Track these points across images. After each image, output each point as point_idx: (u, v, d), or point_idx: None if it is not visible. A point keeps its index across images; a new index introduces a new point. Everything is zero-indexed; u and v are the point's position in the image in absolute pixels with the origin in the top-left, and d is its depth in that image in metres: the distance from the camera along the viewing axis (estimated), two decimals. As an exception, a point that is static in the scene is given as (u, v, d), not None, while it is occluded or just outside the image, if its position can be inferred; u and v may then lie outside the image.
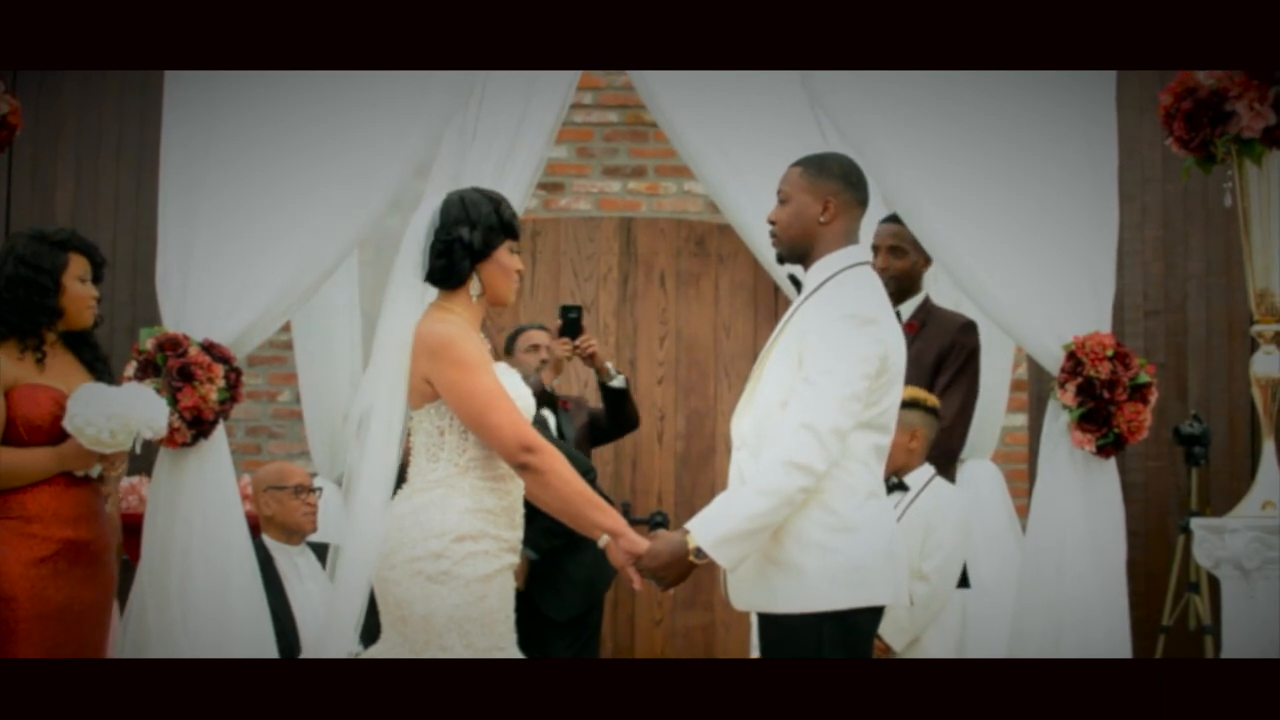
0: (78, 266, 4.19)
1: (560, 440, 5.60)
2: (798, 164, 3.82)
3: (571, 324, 5.55)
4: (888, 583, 3.65)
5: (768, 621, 3.69)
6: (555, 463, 3.75)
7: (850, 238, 3.78)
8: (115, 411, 4.02)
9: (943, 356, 4.97)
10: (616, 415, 5.76)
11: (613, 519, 3.76)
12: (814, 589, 3.58)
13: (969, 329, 5.06)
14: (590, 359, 5.64)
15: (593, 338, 5.62)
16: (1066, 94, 4.44)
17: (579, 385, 6.28)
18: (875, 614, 3.68)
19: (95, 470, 4.16)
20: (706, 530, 3.59)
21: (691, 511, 3.86)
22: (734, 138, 5.16)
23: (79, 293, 4.18)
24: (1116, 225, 4.49)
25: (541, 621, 5.15)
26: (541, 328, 5.76)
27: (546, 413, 5.66)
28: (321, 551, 5.18)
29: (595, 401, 5.99)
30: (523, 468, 3.74)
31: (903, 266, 4.91)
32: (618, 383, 5.66)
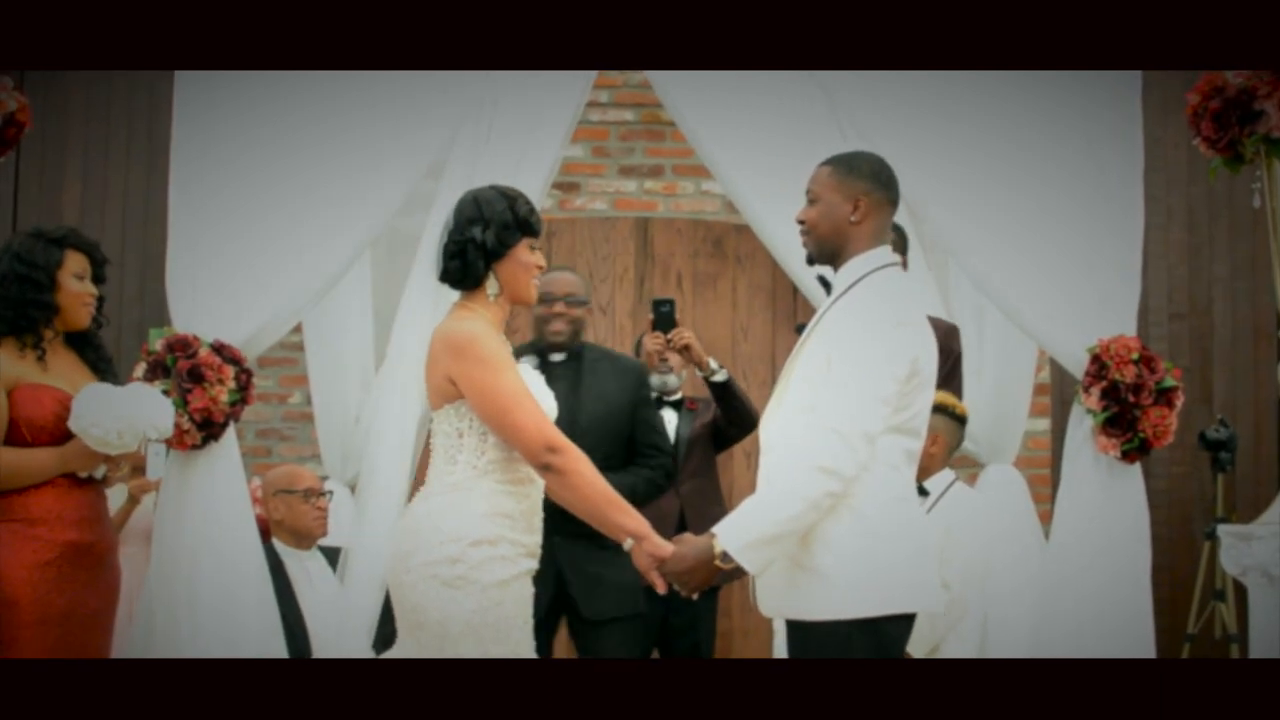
0: (74, 263, 4.17)
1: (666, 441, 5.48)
2: (827, 163, 3.77)
3: (664, 318, 5.32)
4: (918, 590, 3.60)
5: (795, 628, 3.64)
6: (579, 464, 3.70)
7: (880, 238, 3.71)
8: (122, 413, 3.99)
9: None
10: (729, 412, 5.52)
11: (637, 521, 3.70)
12: (842, 595, 3.53)
13: (955, 334, 5.01)
14: (685, 352, 5.38)
15: (687, 330, 5.37)
16: (1091, 95, 4.41)
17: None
18: (905, 622, 3.62)
19: (100, 471, 4.12)
20: (733, 534, 3.54)
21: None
22: (752, 137, 5.11)
23: (75, 289, 4.16)
24: (1142, 227, 4.45)
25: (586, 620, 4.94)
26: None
27: (667, 412, 5.56)
28: (334, 556, 5.14)
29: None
30: (546, 468, 3.69)
31: None
32: (719, 376, 5.43)
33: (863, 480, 3.53)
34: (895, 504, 3.59)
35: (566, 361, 4.86)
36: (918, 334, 3.63)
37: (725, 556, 3.52)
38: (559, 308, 4.81)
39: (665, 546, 3.65)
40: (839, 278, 3.70)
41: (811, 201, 3.74)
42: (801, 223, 3.75)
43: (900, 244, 4.98)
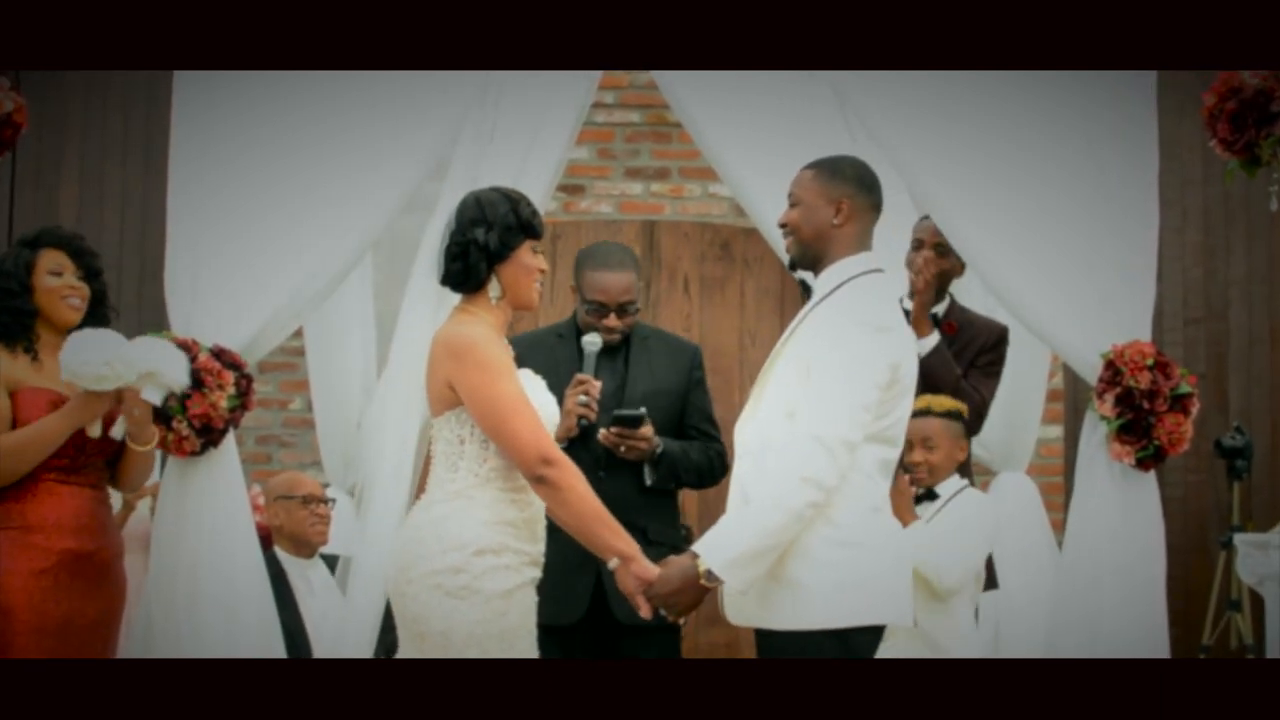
0: (49, 261, 4.17)
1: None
2: (810, 166, 3.78)
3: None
4: (890, 601, 3.59)
5: (765, 637, 3.62)
6: (573, 479, 3.67)
7: (863, 243, 3.72)
8: (99, 343, 3.96)
9: (980, 354, 4.86)
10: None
11: (626, 543, 3.67)
12: (814, 605, 3.52)
13: (1006, 337, 4.95)
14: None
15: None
16: (1106, 95, 4.36)
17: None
18: (876, 633, 3.61)
19: (121, 432, 4.08)
20: (716, 552, 3.51)
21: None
22: (760, 139, 5.06)
23: (50, 286, 4.16)
24: (1156, 230, 4.40)
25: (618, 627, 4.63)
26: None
27: None
28: (333, 564, 5.11)
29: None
30: (539, 480, 3.65)
31: (945, 266, 4.79)
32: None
33: (839, 489, 3.51)
34: (870, 514, 3.58)
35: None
36: (900, 340, 3.62)
37: (710, 575, 3.50)
38: (611, 320, 4.59)
39: (652, 569, 3.62)
40: (820, 282, 3.70)
41: (793, 205, 3.74)
42: (783, 225, 3.75)
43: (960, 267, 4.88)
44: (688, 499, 6.03)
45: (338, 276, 4.51)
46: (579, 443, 4.48)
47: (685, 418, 4.68)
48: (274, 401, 6.72)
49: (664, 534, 4.49)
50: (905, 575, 3.66)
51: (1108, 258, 4.33)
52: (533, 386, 3.81)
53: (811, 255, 3.72)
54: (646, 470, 4.55)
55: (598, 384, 4.49)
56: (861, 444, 3.52)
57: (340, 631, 4.80)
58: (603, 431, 4.45)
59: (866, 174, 3.74)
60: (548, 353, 4.62)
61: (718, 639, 6.44)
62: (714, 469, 4.65)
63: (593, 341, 4.54)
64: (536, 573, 3.75)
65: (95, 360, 3.92)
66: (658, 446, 4.50)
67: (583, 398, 4.45)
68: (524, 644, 3.68)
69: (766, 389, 3.68)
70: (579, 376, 4.49)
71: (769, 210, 5.09)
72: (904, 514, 4.18)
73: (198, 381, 4.18)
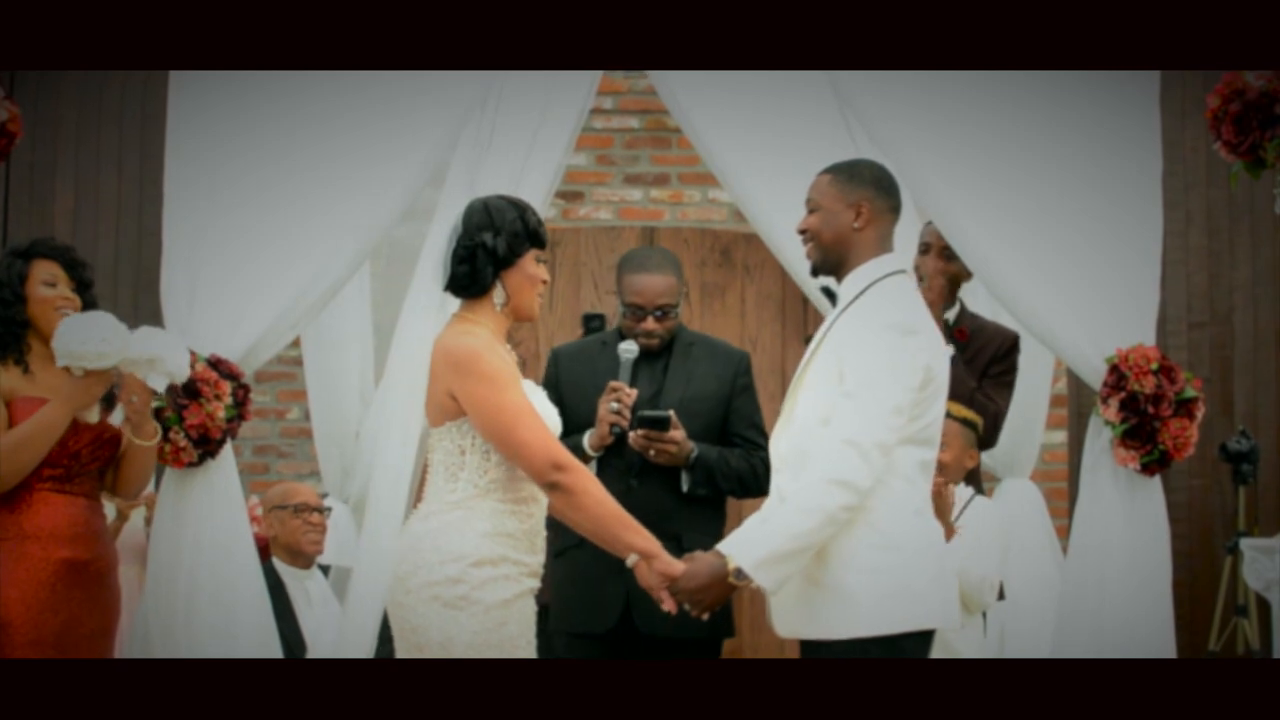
0: (42, 272, 4.16)
1: None
2: (827, 171, 3.78)
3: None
4: (937, 604, 3.59)
5: (812, 648, 3.61)
6: (587, 482, 3.67)
7: (885, 245, 3.72)
8: (92, 322, 3.95)
9: (993, 362, 4.83)
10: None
11: (646, 540, 3.67)
12: (860, 612, 3.52)
13: (1017, 345, 4.93)
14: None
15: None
16: (1108, 96, 4.33)
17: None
18: (924, 638, 3.60)
19: (120, 419, 4.07)
20: (747, 551, 3.51)
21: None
22: (761, 143, 5.04)
23: (43, 297, 4.15)
24: (1160, 233, 4.37)
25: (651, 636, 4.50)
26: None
27: None
28: (328, 574, 5.09)
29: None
30: (553, 487, 3.65)
31: (955, 270, 4.76)
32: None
33: (878, 494, 3.51)
34: (913, 518, 3.58)
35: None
36: (930, 341, 3.62)
37: (739, 573, 3.49)
38: (649, 323, 4.56)
39: (676, 565, 3.61)
40: (845, 287, 3.70)
41: (812, 210, 3.74)
42: (803, 232, 3.75)
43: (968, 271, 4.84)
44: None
45: (335, 285, 4.48)
46: (613, 450, 4.48)
47: (729, 425, 4.64)
48: (271, 411, 6.71)
49: (701, 543, 4.40)
50: (951, 577, 3.66)
51: (1111, 261, 4.30)
52: (534, 397, 3.80)
53: (833, 260, 3.72)
54: (683, 476, 4.51)
55: (632, 392, 4.46)
56: (898, 447, 3.53)
57: (338, 642, 4.78)
58: (632, 434, 4.43)
59: (884, 176, 3.76)
60: (589, 360, 4.65)
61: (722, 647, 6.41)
62: (757, 477, 4.55)
63: (629, 348, 4.53)
64: (536, 583, 3.74)
65: (93, 338, 3.91)
66: (691, 451, 4.46)
67: (614, 405, 4.43)
68: (523, 654, 3.68)
69: (799, 400, 3.67)
70: (612, 384, 4.48)
71: (769, 215, 5.07)
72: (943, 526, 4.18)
73: (194, 392, 4.16)
